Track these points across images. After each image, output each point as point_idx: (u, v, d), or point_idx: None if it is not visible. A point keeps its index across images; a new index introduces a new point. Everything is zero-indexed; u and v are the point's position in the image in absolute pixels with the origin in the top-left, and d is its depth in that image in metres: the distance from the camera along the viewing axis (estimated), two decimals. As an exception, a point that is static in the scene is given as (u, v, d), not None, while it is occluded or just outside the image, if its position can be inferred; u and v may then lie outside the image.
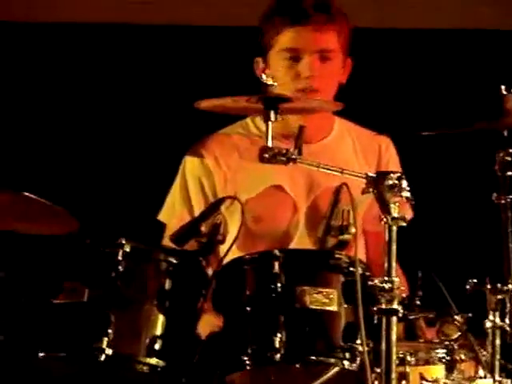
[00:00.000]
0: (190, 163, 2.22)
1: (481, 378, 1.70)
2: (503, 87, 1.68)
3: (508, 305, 1.77)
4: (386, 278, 1.67)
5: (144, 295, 1.70)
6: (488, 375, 1.72)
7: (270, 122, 1.77)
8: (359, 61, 2.26)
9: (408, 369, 1.74)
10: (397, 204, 1.76)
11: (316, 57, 2.13)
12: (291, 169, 1.90)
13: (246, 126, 2.24)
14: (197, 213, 2.14)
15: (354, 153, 2.36)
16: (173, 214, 2.20)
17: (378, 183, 1.77)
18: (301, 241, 2.28)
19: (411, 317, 1.72)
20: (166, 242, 2.13)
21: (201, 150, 2.19)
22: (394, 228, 1.73)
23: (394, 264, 1.75)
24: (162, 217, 2.19)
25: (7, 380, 1.72)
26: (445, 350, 1.77)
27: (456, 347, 1.76)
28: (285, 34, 2.18)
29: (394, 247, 1.74)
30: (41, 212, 1.77)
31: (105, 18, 3.44)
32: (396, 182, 1.78)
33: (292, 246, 2.30)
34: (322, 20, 2.23)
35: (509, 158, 1.73)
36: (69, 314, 1.70)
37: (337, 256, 1.77)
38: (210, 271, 1.81)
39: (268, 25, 2.21)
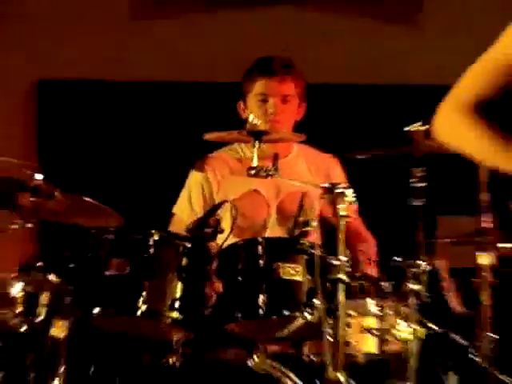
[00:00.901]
0: (194, 175, 3.05)
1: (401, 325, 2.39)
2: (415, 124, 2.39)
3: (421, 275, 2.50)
4: (336, 257, 2.32)
5: (167, 269, 2.31)
6: (406, 324, 2.41)
7: (255, 148, 2.49)
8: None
9: (351, 320, 2.42)
10: (344, 206, 2.48)
11: (279, 99, 2.94)
12: (264, 179, 2.63)
13: (234, 149, 3.07)
14: (196, 209, 2.97)
15: (308, 169, 3.13)
16: (181, 209, 2.97)
17: (330, 191, 2.51)
18: (272, 230, 3.03)
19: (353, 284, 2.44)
20: (172, 227, 2.93)
21: (203, 165, 3.02)
22: (342, 223, 2.42)
23: (341, 247, 2.37)
24: (175, 210, 2.97)
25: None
26: (377, 308, 2.46)
27: (385, 306, 2.45)
28: (258, 83, 3.03)
29: (342, 236, 2.39)
30: (95, 210, 2.41)
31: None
32: (343, 190, 2.48)
33: (267, 234, 3.02)
34: (284, 74, 3.06)
35: (420, 174, 2.45)
36: (116, 282, 2.33)
37: (302, 242, 2.37)
38: (213, 252, 2.48)
39: (248, 78, 3.07)
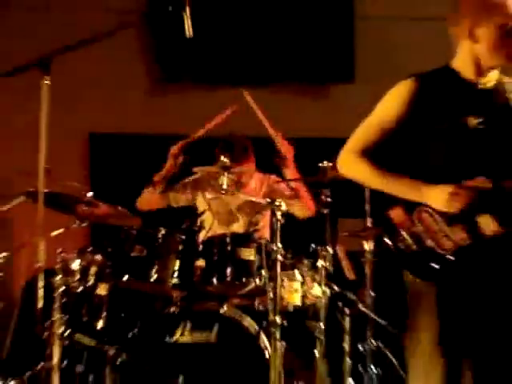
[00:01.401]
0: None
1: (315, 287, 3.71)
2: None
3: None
4: (274, 244, 3.54)
5: (169, 252, 3.54)
6: (318, 286, 3.73)
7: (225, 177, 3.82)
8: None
9: (284, 283, 3.71)
10: (279, 212, 3.76)
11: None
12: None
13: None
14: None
15: (260, 187, 4.50)
16: None
17: (272, 203, 3.78)
18: (237, 226, 4.37)
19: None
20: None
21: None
22: (278, 223, 3.64)
23: (278, 238, 3.59)
24: None
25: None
26: (301, 276, 3.76)
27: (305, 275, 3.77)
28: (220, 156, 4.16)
29: (279, 232, 3.67)
30: (124, 215, 3.69)
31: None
32: (279, 203, 3.73)
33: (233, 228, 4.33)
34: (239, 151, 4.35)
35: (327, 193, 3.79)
36: (138, 260, 3.54)
37: (254, 235, 3.69)
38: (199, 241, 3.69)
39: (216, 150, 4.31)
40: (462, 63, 2.75)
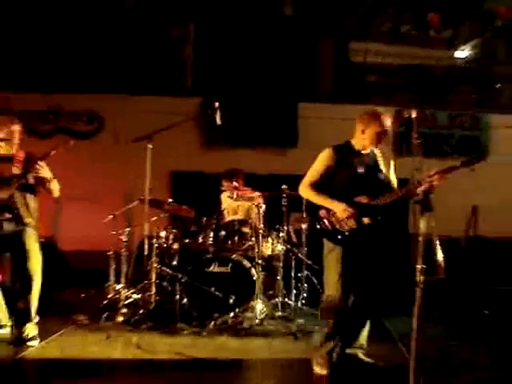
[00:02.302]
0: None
1: (278, 245, 7.27)
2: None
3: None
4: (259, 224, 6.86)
5: (208, 227, 6.87)
6: (280, 245, 7.30)
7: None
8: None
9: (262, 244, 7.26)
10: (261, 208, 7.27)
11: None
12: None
13: None
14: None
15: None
16: None
17: (260, 207, 7.15)
18: (239, 216, 7.45)
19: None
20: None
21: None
22: (261, 213, 7.25)
23: (260, 219, 7.06)
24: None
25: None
26: (272, 240, 7.32)
27: (274, 240, 7.34)
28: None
29: (261, 215, 7.20)
30: (184, 210, 7.19)
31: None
32: (259, 204, 7.01)
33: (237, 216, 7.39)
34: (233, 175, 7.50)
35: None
36: (193, 232, 6.98)
37: (249, 220, 7.00)
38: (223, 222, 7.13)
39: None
40: (356, 142, 5.07)
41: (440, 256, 3.85)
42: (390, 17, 13.00)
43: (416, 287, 3.95)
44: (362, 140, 5.08)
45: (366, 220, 4.96)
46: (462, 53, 13.61)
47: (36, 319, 5.79)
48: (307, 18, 10.99)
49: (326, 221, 5.06)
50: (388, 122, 5.06)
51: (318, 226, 5.15)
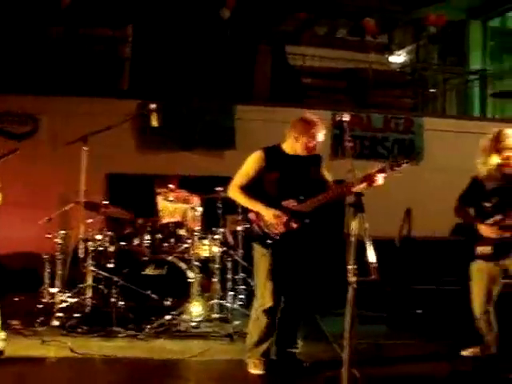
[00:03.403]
0: None
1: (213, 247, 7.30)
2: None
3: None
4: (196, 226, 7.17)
5: (144, 229, 7.06)
6: (217, 247, 7.31)
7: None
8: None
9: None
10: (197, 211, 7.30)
11: None
12: None
13: None
14: None
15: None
16: None
17: (194, 210, 7.20)
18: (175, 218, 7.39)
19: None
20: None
21: None
22: (196, 215, 7.25)
23: (196, 221, 7.26)
24: None
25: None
26: (206, 242, 7.33)
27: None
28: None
29: (197, 217, 7.21)
30: (120, 212, 7.15)
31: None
32: (197, 209, 7.26)
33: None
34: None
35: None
36: (128, 235, 7.13)
37: (184, 223, 7.25)
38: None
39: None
40: (286, 146, 5.08)
41: (372, 257, 3.90)
42: (327, 21, 13.18)
43: (349, 287, 3.99)
44: (293, 145, 5.10)
45: (294, 224, 4.96)
46: (398, 58, 13.88)
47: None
48: (245, 21, 11.01)
49: (255, 225, 5.05)
50: (322, 132, 5.10)
51: (250, 230, 5.17)
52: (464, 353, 5.59)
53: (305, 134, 5.02)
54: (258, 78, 11.03)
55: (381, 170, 4.78)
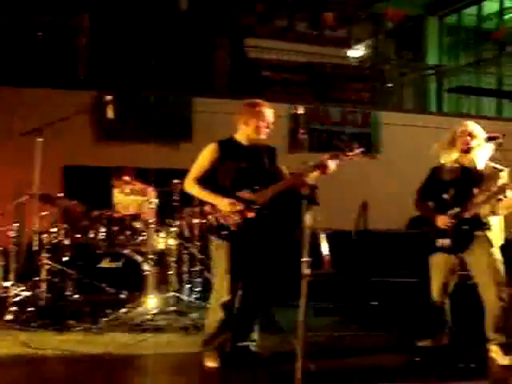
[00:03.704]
0: None
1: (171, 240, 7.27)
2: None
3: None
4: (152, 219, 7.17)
5: (100, 223, 7.08)
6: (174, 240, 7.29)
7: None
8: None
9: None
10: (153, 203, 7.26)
11: None
12: None
13: None
14: None
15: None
16: None
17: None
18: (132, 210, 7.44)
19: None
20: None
21: None
22: (153, 208, 7.24)
23: (152, 214, 7.23)
24: None
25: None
26: (163, 234, 7.31)
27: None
28: None
29: (154, 210, 7.23)
30: (74, 205, 7.07)
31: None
32: (151, 201, 7.25)
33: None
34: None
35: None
36: (83, 228, 7.07)
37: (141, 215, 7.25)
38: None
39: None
40: (240, 136, 5.03)
41: (325, 249, 3.92)
42: (286, 14, 13.21)
43: (302, 279, 4.00)
44: (246, 132, 5.07)
45: (249, 214, 4.93)
46: (356, 52, 13.99)
47: None
48: (203, 13, 10.98)
49: (210, 216, 5.02)
50: (269, 111, 5.08)
51: (207, 223, 5.12)
52: (419, 343, 5.63)
53: (253, 115, 5.01)
54: (216, 70, 11.02)
55: (333, 156, 4.78)
